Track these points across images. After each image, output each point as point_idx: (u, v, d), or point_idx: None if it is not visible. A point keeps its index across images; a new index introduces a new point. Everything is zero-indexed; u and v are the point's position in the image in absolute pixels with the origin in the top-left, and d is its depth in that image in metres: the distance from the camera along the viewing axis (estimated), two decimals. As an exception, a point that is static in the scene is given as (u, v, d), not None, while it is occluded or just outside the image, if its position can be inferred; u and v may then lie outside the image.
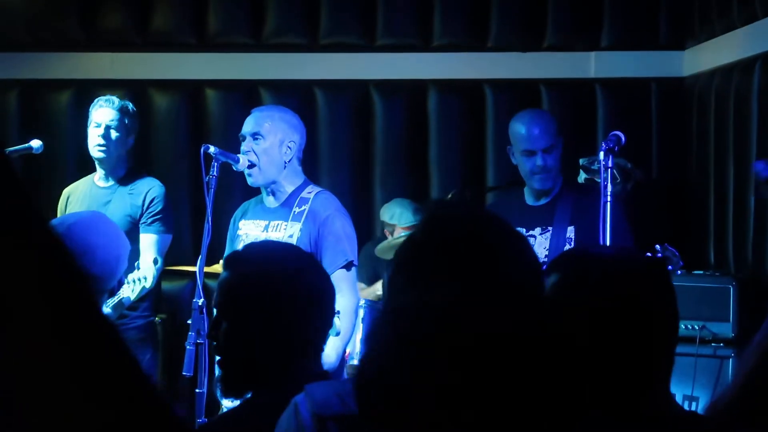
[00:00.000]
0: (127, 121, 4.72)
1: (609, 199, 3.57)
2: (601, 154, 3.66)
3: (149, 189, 4.68)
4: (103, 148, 4.64)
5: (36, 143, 4.71)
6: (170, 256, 5.61)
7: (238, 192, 5.05)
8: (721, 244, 5.27)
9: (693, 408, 4.57)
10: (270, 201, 4.13)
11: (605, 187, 3.54)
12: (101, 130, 4.65)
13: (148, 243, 4.63)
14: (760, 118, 4.84)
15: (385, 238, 5.29)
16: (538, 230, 4.25)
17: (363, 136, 5.93)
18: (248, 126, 4.10)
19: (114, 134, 4.66)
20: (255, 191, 4.29)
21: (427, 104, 5.94)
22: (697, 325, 4.63)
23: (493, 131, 5.88)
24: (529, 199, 4.40)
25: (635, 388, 1.87)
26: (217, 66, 6.00)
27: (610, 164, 3.62)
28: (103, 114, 4.69)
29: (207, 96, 5.99)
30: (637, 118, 5.85)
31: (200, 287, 3.78)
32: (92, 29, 5.99)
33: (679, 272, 4.08)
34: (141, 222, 4.64)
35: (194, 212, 5.62)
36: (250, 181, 4.09)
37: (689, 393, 4.57)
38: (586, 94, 5.91)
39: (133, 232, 4.58)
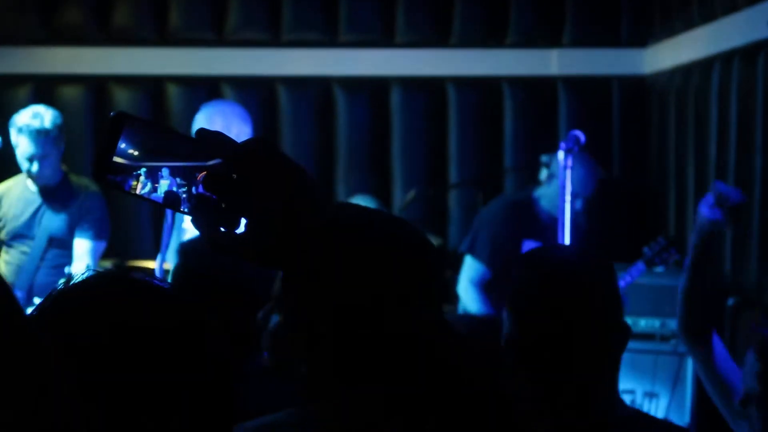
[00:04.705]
0: (52, 139, 4.63)
1: (569, 198, 3.60)
2: (561, 153, 3.69)
3: (86, 196, 4.70)
4: (37, 176, 4.63)
5: (-6, 140, 4.66)
6: (130, 251, 5.60)
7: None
8: (681, 241, 5.31)
9: (653, 403, 4.61)
10: None
11: (563, 187, 3.56)
12: (35, 165, 4.60)
13: (83, 250, 4.63)
14: (719, 117, 4.87)
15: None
16: None
17: (325, 133, 5.92)
18: (201, 123, 4.12)
19: (45, 161, 4.61)
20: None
21: (390, 101, 5.94)
22: (657, 322, 4.67)
23: (456, 128, 5.90)
24: (544, 213, 4.69)
25: (582, 388, 1.89)
26: (178, 61, 5.96)
27: (569, 164, 3.65)
28: (27, 146, 4.60)
29: (168, 92, 5.96)
30: (599, 116, 5.89)
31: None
32: (52, 24, 5.93)
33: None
34: (77, 228, 4.65)
35: (154, 207, 5.59)
36: None
37: (649, 389, 4.61)
38: (549, 91, 5.94)
39: (67, 238, 4.64)
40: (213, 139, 1.05)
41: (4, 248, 4.76)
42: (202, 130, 1.06)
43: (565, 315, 1.87)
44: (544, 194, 4.76)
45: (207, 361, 1.21)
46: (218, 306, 2.28)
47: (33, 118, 4.60)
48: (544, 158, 5.30)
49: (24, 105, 5.85)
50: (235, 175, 1.03)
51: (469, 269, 4.76)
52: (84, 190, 4.70)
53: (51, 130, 4.60)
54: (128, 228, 5.48)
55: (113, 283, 1.23)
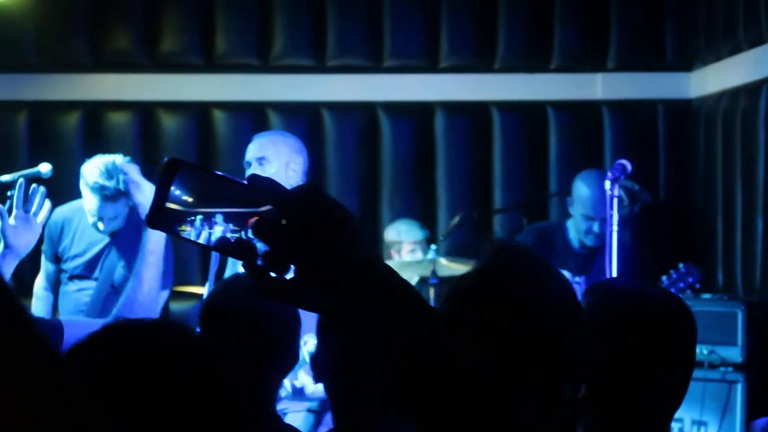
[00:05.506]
0: (125, 200, 4.33)
1: (616, 228, 3.59)
2: (607, 183, 3.68)
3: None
4: (103, 230, 4.41)
5: (45, 168, 4.64)
6: (178, 277, 5.63)
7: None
8: (730, 267, 5.27)
9: (701, 432, 4.56)
10: None
11: (611, 216, 3.55)
12: (101, 224, 4.34)
13: None
14: (767, 141, 4.84)
15: (391, 259, 5.29)
16: (583, 278, 4.61)
17: (370, 158, 5.94)
18: (252, 152, 4.12)
19: (115, 220, 4.38)
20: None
21: (434, 126, 5.95)
22: (706, 350, 4.62)
23: (501, 153, 5.90)
24: (574, 242, 4.78)
25: (636, 423, 1.87)
26: (224, 87, 6.02)
27: (615, 193, 3.64)
28: (96, 206, 4.32)
29: (215, 117, 6.01)
30: (645, 140, 5.86)
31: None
32: (100, 51, 6.01)
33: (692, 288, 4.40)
34: None
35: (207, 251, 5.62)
36: None
37: (698, 418, 4.56)
38: (593, 115, 5.92)
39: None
40: (264, 185, 1.06)
41: (62, 284, 4.60)
42: (254, 176, 1.07)
43: (646, 351, 1.86)
44: (571, 222, 4.83)
45: (225, 403, 1.28)
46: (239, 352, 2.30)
47: (107, 178, 4.29)
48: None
49: (73, 131, 5.96)
50: (284, 222, 1.04)
51: None
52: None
53: (125, 191, 4.09)
54: (176, 255, 5.52)
55: (155, 329, 1.30)
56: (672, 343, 1.90)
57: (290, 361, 2.41)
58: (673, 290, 4.39)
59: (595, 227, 4.60)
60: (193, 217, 1.08)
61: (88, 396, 0.95)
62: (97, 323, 2.78)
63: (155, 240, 2.79)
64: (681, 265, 4.53)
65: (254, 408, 2.27)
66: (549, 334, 1.45)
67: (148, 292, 2.67)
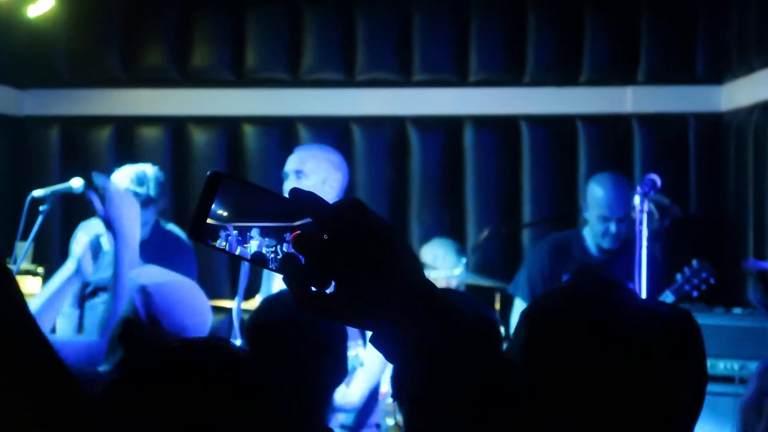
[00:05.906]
0: (154, 207, 4.35)
1: (645, 243, 3.57)
2: (637, 198, 3.67)
3: (175, 251, 4.43)
4: None
5: (77, 183, 4.68)
6: (207, 291, 5.65)
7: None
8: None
9: (733, 448, 4.52)
10: None
11: (640, 231, 3.54)
12: None
13: None
14: (799, 155, 4.80)
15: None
16: None
17: (399, 172, 5.95)
18: (291, 164, 4.11)
19: (143, 228, 4.24)
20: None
21: (463, 139, 5.95)
22: (737, 365, 4.58)
23: (530, 167, 5.89)
24: (592, 248, 4.76)
25: None
26: (254, 102, 6.05)
27: (645, 209, 3.62)
28: None
29: (245, 132, 6.05)
30: (675, 154, 5.83)
31: (237, 329, 3.78)
32: (132, 66, 6.07)
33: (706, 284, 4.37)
34: None
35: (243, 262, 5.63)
36: None
37: (729, 433, 4.52)
38: (623, 129, 5.90)
39: None
40: (305, 199, 1.06)
41: (88, 299, 4.60)
42: (295, 190, 1.07)
43: (617, 373, 1.67)
44: (587, 229, 4.84)
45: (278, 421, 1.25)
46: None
47: (138, 184, 4.32)
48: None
49: (105, 146, 6.01)
50: (325, 236, 1.04)
51: (516, 309, 4.79)
52: (173, 244, 4.45)
53: (154, 198, 4.33)
54: (205, 268, 5.55)
55: (202, 349, 1.28)
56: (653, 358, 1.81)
57: (340, 373, 2.40)
58: (687, 287, 4.40)
59: (612, 227, 4.63)
60: (233, 230, 1.10)
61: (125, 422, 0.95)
62: (84, 343, 2.78)
63: (116, 217, 2.77)
64: (694, 262, 4.52)
65: (305, 424, 2.26)
66: (632, 357, 1.44)
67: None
